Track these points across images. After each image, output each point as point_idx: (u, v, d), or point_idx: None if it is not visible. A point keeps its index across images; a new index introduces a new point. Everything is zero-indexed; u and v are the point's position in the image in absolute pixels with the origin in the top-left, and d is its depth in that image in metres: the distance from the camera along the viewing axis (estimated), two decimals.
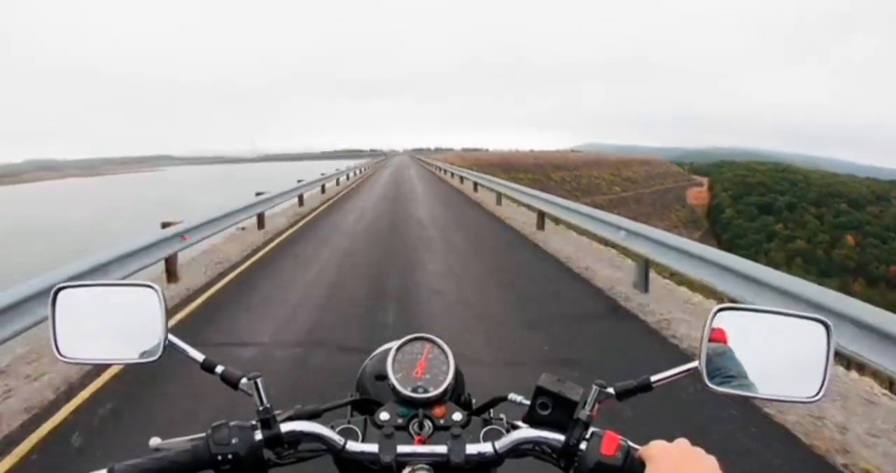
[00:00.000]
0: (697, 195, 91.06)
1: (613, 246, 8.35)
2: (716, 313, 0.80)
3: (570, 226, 10.33)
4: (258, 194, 11.62)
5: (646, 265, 6.49)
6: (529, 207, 12.84)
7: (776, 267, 4.86)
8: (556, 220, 10.92)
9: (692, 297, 6.50)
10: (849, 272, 56.98)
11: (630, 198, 65.79)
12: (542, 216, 11.31)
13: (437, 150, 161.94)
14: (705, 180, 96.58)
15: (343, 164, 32.83)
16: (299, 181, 15.70)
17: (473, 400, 0.94)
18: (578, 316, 5.90)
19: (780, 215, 71.63)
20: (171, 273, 7.23)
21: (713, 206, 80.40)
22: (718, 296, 5.43)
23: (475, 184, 20.73)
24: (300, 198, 16.13)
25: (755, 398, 0.81)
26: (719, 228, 71.08)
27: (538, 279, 7.63)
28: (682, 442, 0.69)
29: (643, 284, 6.52)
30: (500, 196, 15.87)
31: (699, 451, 0.67)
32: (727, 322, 0.81)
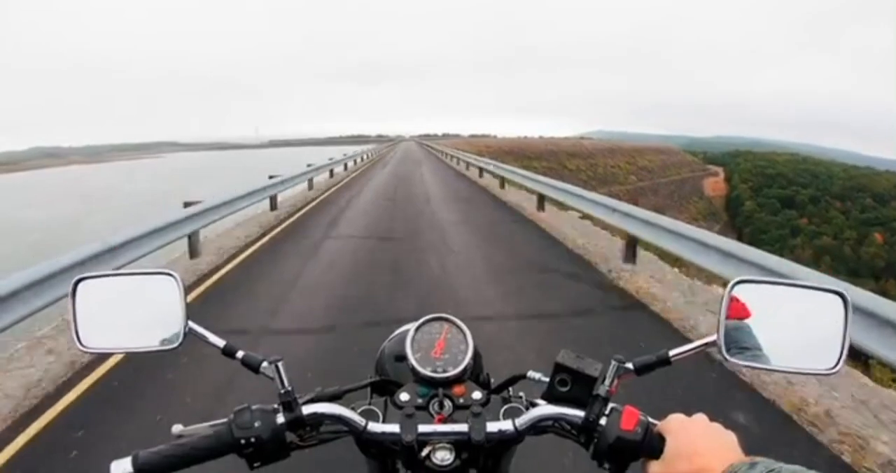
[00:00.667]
0: (714, 186, 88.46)
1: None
2: (733, 285, 0.80)
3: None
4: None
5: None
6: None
7: (805, 265, 4.46)
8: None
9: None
10: (879, 271, 54.32)
11: (647, 189, 63.78)
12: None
13: (445, 137, 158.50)
14: (720, 170, 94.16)
15: (349, 150, 32.17)
16: (270, 178, 13.33)
17: (492, 379, 0.96)
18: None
19: (804, 209, 68.82)
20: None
21: (732, 198, 77.65)
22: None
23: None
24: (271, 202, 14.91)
25: (773, 370, 0.81)
26: (740, 221, 68.48)
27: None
28: (701, 417, 0.69)
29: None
30: (541, 199, 11.62)
31: (718, 426, 0.67)
32: (744, 294, 0.80)
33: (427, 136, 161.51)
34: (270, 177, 11.72)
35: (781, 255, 4.68)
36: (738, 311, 0.80)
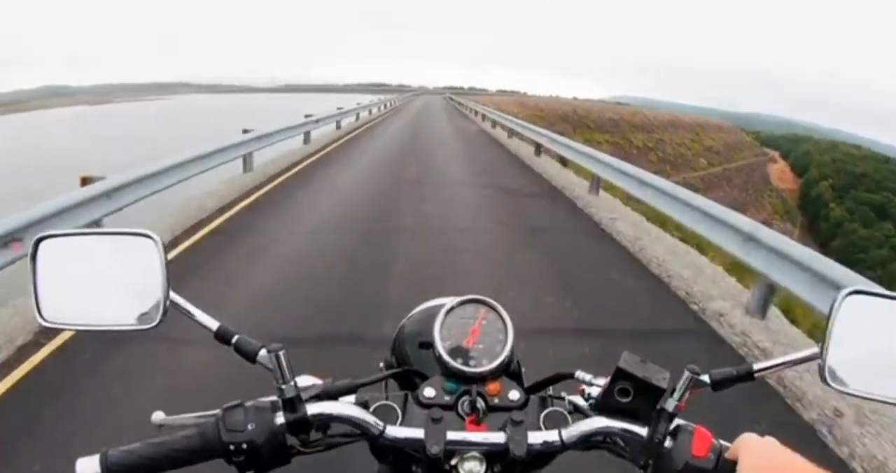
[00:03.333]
0: (781, 175, 77.03)
1: None
2: (846, 296, 0.69)
3: None
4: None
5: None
6: None
7: None
8: None
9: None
10: None
11: (720, 177, 53.08)
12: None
13: (471, 91, 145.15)
14: (775, 154, 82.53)
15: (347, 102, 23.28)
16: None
17: (523, 370, 0.84)
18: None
19: None
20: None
21: (812, 197, 65.85)
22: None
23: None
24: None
25: (881, 402, 0.70)
26: (825, 229, 56.99)
27: None
28: (772, 441, 0.62)
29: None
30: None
31: (791, 453, 0.61)
32: (856, 307, 0.69)
33: (452, 89, 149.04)
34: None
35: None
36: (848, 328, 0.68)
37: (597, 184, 9.00)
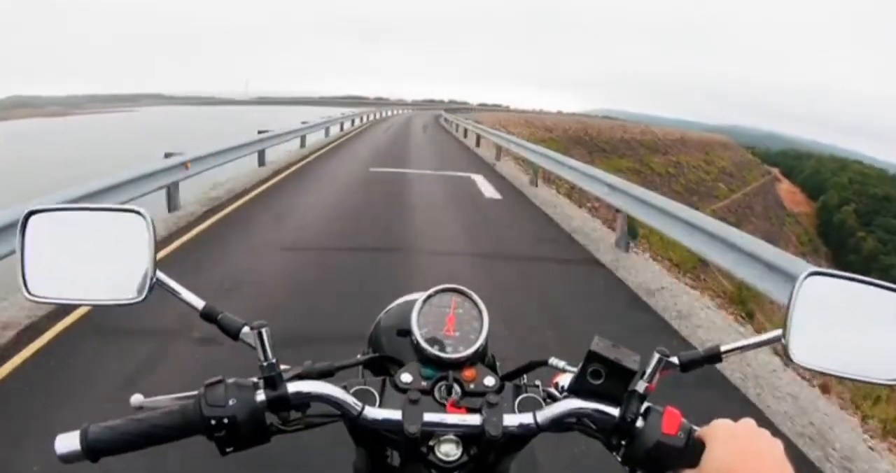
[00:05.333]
0: (792, 197, 71.13)
1: None
2: (805, 277, 0.72)
3: None
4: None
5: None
6: None
7: None
8: None
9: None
10: None
11: (742, 205, 47.20)
12: None
13: (451, 104, 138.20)
14: (776, 171, 77.32)
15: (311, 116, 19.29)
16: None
17: (499, 363, 0.85)
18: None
19: None
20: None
21: (835, 225, 59.70)
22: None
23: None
24: None
25: (842, 377, 0.74)
26: (856, 262, 50.76)
27: None
28: (748, 423, 0.63)
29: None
30: None
31: (765, 433, 0.62)
32: (816, 288, 0.72)
33: (431, 102, 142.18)
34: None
35: None
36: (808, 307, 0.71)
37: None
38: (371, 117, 34.96)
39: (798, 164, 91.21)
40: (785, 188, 76.10)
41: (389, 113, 48.06)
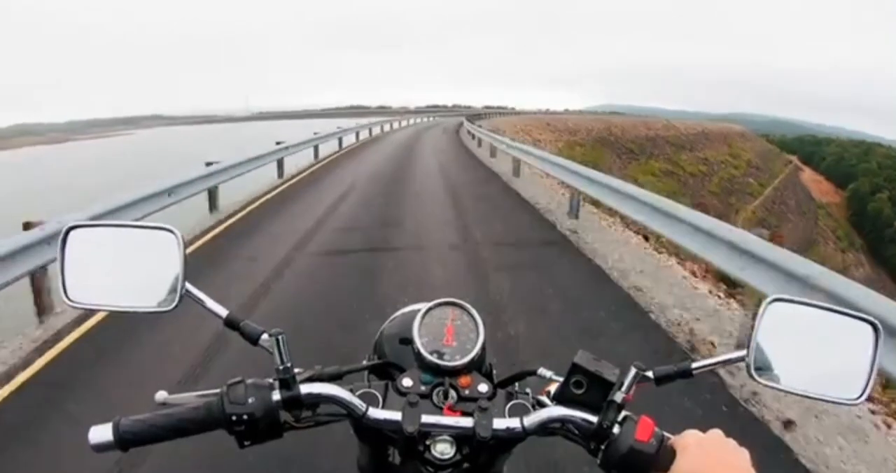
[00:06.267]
0: (819, 187, 68.32)
1: None
2: (769, 303, 0.78)
3: None
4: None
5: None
6: None
7: None
8: None
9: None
10: None
11: (776, 201, 44.70)
12: None
13: (455, 108, 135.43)
14: (794, 158, 74.50)
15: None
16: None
17: (495, 372, 0.91)
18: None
19: None
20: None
21: (870, 214, 56.71)
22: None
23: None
24: None
25: (799, 395, 0.78)
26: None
27: None
28: (716, 434, 0.67)
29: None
30: None
31: (732, 443, 0.66)
32: (778, 313, 0.78)
33: (435, 108, 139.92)
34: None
35: None
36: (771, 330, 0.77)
37: None
38: (366, 134, 24.53)
39: (818, 151, 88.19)
40: (809, 177, 73.34)
41: (385, 129, 30.16)
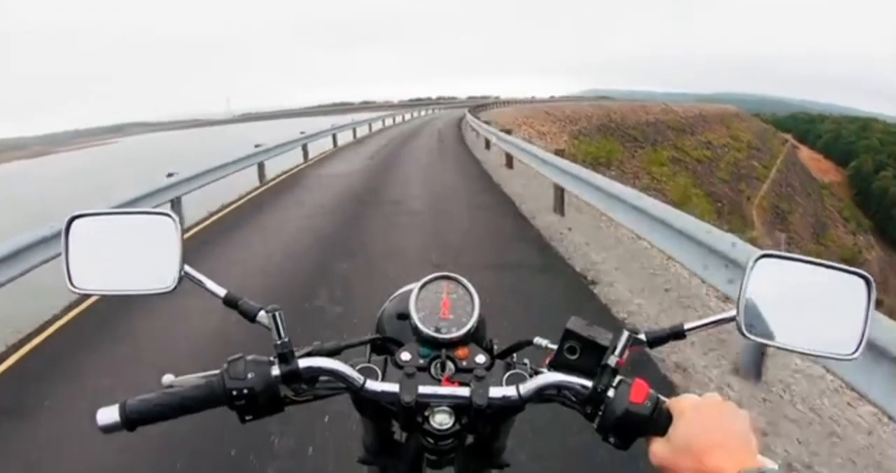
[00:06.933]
0: (818, 165, 67.10)
1: None
2: (757, 260, 0.77)
3: None
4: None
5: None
6: None
7: None
8: None
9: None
10: None
11: (783, 183, 43.75)
12: None
13: (440, 100, 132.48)
14: (789, 137, 73.27)
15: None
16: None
17: (495, 345, 0.91)
18: None
19: None
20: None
21: (875, 193, 55.10)
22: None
23: None
24: None
25: (792, 351, 0.81)
26: None
27: None
28: (713, 397, 0.67)
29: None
30: None
31: (730, 406, 0.65)
32: (766, 269, 0.77)
33: (419, 101, 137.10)
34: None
35: None
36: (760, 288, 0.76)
37: None
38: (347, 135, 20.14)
39: (812, 128, 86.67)
40: (807, 155, 71.82)
41: (367, 129, 24.37)
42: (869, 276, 0.75)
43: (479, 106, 37.90)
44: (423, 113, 44.23)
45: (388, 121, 29.01)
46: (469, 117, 21.16)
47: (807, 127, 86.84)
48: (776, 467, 0.59)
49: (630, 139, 32.57)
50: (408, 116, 37.19)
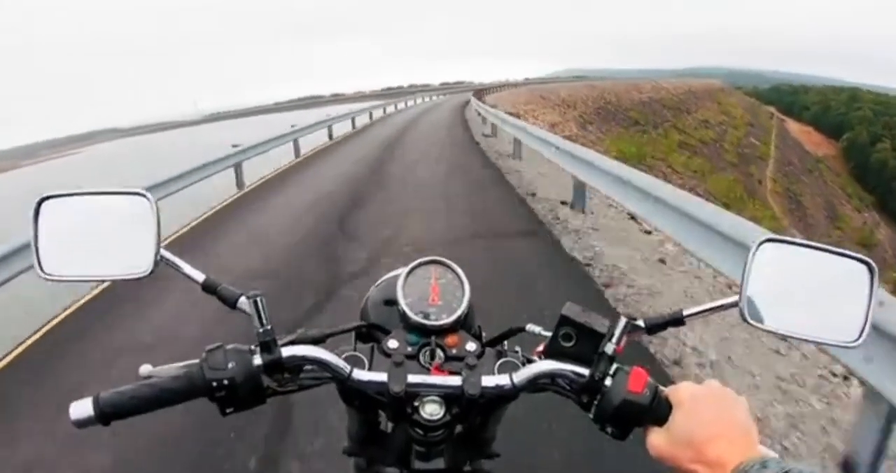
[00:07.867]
0: (809, 138, 65.41)
1: None
2: (759, 245, 0.75)
3: None
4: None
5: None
6: None
7: None
8: None
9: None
10: None
11: (784, 163, 42.22)
12: None
13: (412, 88, 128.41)
14: (772, 110, 71.73)
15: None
16: None
17: (484, 334, 0.89)
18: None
19: None
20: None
21: (873, 167, 53.00)
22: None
23: None
24: None
25: (795, 338, 0.78)
26: None
27: None
28: (712, 384, 0.66)
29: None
30: None
31: (729, 393, 0.65)
32: (769, 254, 0.75)
33: (390, 90, 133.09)
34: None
35: None
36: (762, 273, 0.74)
37: None
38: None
39: (796, 100, 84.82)
40: (796, 128, 69.78)
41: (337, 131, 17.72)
42: (872, 263, 0.73)
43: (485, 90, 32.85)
44: (400, 106, 34.00)
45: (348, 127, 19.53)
46: (474, 101, 21.01)
47: (791, 99, 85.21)
48: (777, 456, 0.57)
49: (632, 122, 30.06)
50: (391, 109, 29.38)
